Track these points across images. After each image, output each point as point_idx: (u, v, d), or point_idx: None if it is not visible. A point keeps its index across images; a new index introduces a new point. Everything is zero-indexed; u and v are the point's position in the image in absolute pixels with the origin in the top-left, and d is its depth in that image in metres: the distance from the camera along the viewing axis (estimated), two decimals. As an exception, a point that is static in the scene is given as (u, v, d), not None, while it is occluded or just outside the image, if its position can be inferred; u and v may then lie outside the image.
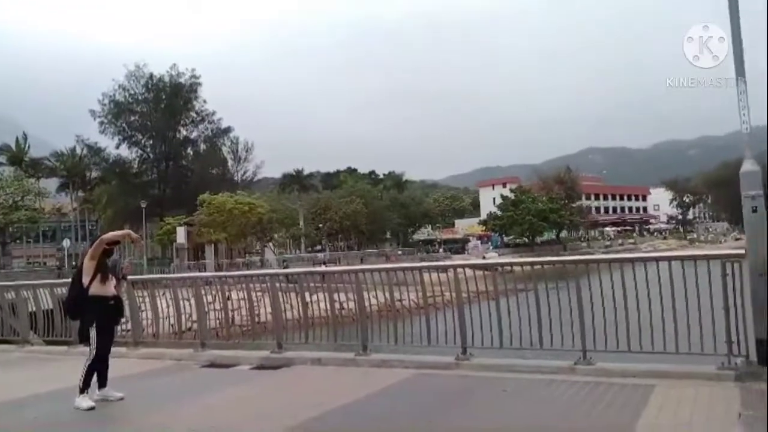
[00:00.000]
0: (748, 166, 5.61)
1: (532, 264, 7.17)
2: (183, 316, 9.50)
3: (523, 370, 6.32)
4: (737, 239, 76.46)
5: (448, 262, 8.83)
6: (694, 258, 6.00)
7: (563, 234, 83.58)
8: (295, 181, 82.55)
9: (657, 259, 6.27)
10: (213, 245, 52.59)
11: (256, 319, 8.95)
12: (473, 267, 8.16)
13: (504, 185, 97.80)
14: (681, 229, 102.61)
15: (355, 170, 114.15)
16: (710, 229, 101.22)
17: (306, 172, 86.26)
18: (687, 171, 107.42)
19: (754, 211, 5.54)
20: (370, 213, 77.61)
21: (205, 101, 65.96)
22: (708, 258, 5.91)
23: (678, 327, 5.85)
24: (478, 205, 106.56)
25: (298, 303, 8.58)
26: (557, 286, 6.80)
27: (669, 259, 6.29)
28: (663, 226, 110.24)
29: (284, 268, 39.50)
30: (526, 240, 77.78)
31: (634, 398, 5.05)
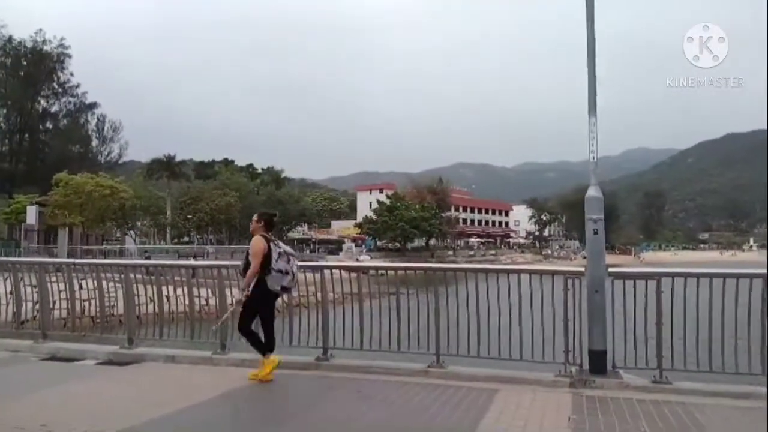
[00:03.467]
0: (593, 192, 6.18)
1: (400, 269, 7.39)
2: (26, 304, 8.63)
3: (379, 372, 6.46)
4: (585, 257, 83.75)
5: (320, 263, 8.77)
6: (541, 273, 6.50)
7: (432, 242, 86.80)
8: (165, 167, 77.55)
9: (508, 272, 6.73)
10: (67, 229, 48.38)
11: (112, 313, 8.37)
12: (345, 269, 8.18)
13: (381, 191, 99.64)
14: (537, 245, 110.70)
15: (231, 162, 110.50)
16: (563, 247, 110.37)
17: (178, 159, 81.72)
18: (545, 192, 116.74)
19: (595, 233, 6.12)
20: (244, 207, 75.49)
21: (72, 74, 60.79)
22: (553, 273, 6.41)
23: (523, 335, 6.29)
24: (355, 208, 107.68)
25: (154, 297, 8.13)
26: (417, 292, 7.04)
27: (519, 272, 6.75)
28: (522, 240, 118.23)
29: (145, 258, 37.32)
30: (398, 245, 79.83)
31: (479, 401, 5.34)
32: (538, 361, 6.29)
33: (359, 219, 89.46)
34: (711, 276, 5.82)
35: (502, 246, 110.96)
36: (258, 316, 6.36)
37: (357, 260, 62.16)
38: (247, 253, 6.36)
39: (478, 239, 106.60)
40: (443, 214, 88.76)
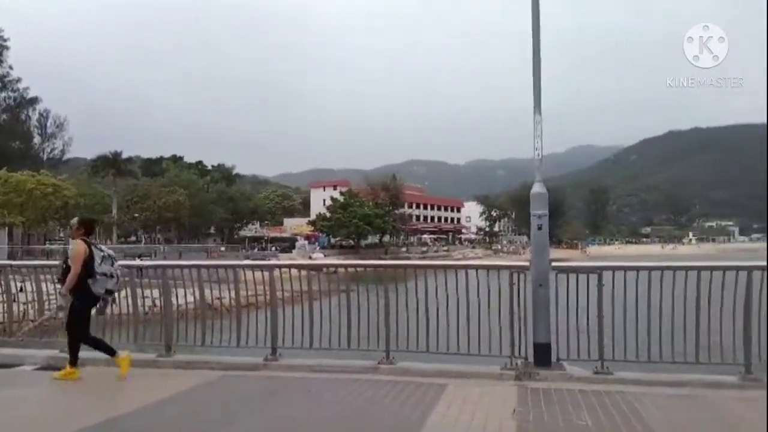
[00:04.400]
0: (537, 188, 6.31)
1: (351, 266, 7.37)
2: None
3: (329, 370, 6.44)
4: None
5: (272, 261, 8.65)
6: (488, 268, 6.60)
7: (386, 238, 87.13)
8: (111, 164, 75.01)
9: (456, 268, 6.79)
10: (7, 229, 46.31)
11: (53, 316, 8.03)
12: (296, 267, 8.10)
13: (335, 188, 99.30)
14: (488, 240, 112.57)
15: (180, 158, 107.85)
16: (512, 242, 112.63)
17: (125, 156, 79.13)
18: (496, 188, 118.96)
19: (540, 228, 6.25)
20: (194, 205, 74.08)
21: (11, 67, 58.08)
22: (499, 268, 6.53)
23: (471, 330, 6.38)
24: (309, 206, 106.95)
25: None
26: (368, 289, 7.06)
27: (466, 267, 6.81)
28: (473, 236, 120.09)
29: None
30: (352, 242, 79.80)
31: (427, 396, 5.39)
32: (486, 355, 6.39)
33: (313, 216, 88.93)
34: (649, 269, 6.04)
35: (455, 242, 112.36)
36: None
37: (310, 258, 61.78)
38: (66, 258, 6.28)
39: (431, 235, 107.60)
40: (397, 211, 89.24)
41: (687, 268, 5.94)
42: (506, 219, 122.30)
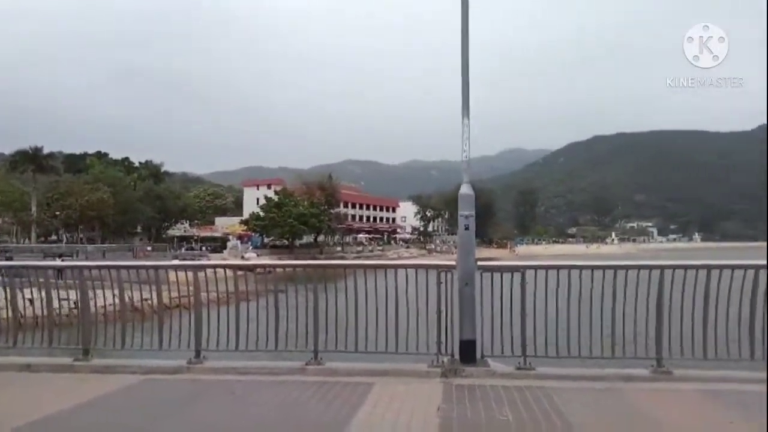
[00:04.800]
0: (465, 189, 6.42)
1: (274, 266, 7.26)
2: None
3: (255, 372, 6.33)
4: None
5: (199, 261, 8.40)
6: (416, 267, 6.66)
7: (321, 238, 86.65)
8: (31, 159, 70.86)
9: (386, 267, 6.84)
10: None
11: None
12: (224, 267, 7.86)
13: (269, 186, 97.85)
14: (422, 240, 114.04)
15: (106, 155, 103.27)
16: (445, 241, 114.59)
17: (46, 151, 74.84)
18: (430, 189, 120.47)
19: (467, 228, 6.37)
20: (119, 203, 71.16)
21: None
22: (427, 268, 6.61)
23: (399, 329, 6.43)
24: (242, 204, 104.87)
25: (7, 301, 7.40)
26: (297, 289, 6.98)
27: (396, 267, 6.88)
28: (407, 236, 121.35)
29: (6, 259, 34.02)
30: (286, 242, 78.87)
31: (354, 396, 5.39)
32: (414, 353, 6.45)
33: (245, 215, 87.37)
34: (569, 268, 6.27)
35: (390, 241, 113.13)
36: None
37: (243, 258, 60.64)
38: None
39: (367, 235, 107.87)
40: (332, 211, 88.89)
41: (604, 267, 6.20)
42: (440, 219, 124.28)
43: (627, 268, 6.19)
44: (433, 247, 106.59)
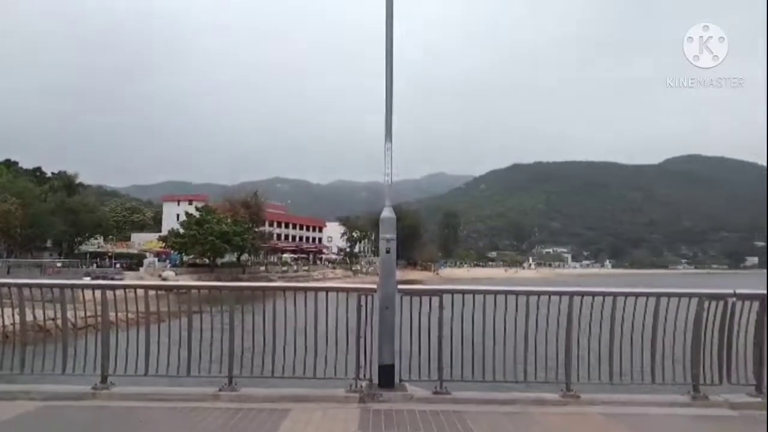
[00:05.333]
0: (386, 213, 6.48)
1: (194, 288, 7.00)
2: None
3: (166, 398, 6.04)
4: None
5: (109, 281, 7.91)
6: (337, 290, 6.62)
7: (244, 257, 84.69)
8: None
9: (306, 290, 6.75)
10: None
11: None
12: (134, 287, 7.48)
13: (190, 202, 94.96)
14: (348, 261, 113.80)
15: (15, 163, 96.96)
16: (371, 263, 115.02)
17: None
18: (358, 210, 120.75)
19: (388, 252, 6.42)
20: (28, 216, 66.89)
21: None
22: (348, 290, 6.59)
23: (318, 353, 6.36)
24: (161, 220, 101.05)
25: None
26: (211, 312, 6.76)
27: (316, 290, 6.82)
28: (333, 256, 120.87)
29: None
30: (207, 260, 76.51)
31: (269, 422, 5.26)
32: (332, 378, 6.38)
33: (164, 232, 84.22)
34: (484, 293, 6.42)
35: (316, 262, 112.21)
36: None
37: (160, 276, 58.35)
38: None
39: (292, 255, 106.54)
40: (257, 229, 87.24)
41: (517, 293, 6.41)
42: (367, 240, 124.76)
43: (538, 293, 6.41)
44: (359, 268, 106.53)
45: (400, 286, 6.44)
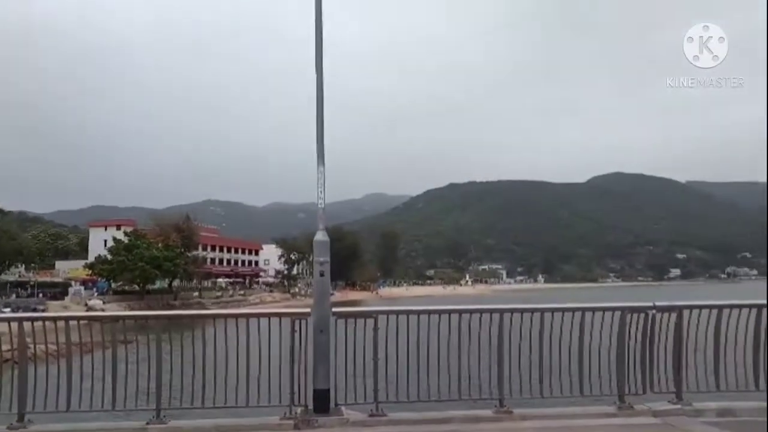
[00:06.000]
0: (320, 236, 6.47)
1: (127, 318, 6.72)
2: None
3: (88, 435, 5.76)
4: (330, 294, 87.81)
5: (20, 314, 7.44)
6: (269, 315, 6.51)
7: (176, 283, 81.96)
8: None
9: (236, 316, 6.60)
10: None
11: None
12: (54, 319, 7.07)
13: (118, 227, 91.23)
14: (286, 284, 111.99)
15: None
16: (310, 285, 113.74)
17: None
18: (296, 231, 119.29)
19: (322, 275, 6.39)
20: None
21: None
22: (281, 315, 6.50)
23: (251, 381, 6.21)
24: (87, 247, 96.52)
25: None
26: (137, 342, 6.51)
27: (248, 316, 6.68)
28: (271, 279, 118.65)
29: None
30: (137, 287, 73.53)
31: (199, 456, 5.08)
32: (266, 406, 6.26)
33: (91, 258, 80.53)
34: (418, 313, 6.48)
35: (252, 285, 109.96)
36: None
37: (86, 305, 55.70)
38: None
39: (227, 279, 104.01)
40: (190, 254, 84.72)
41: (450, 312, 6.50)
42: (305, 262, 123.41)
43: (470, 311, 6.54)
44: (297, 290, 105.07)
45: (334, 309, 6.41)
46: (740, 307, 6.80)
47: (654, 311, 6.63)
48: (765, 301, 6.79)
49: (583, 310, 6.64)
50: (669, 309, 6.68)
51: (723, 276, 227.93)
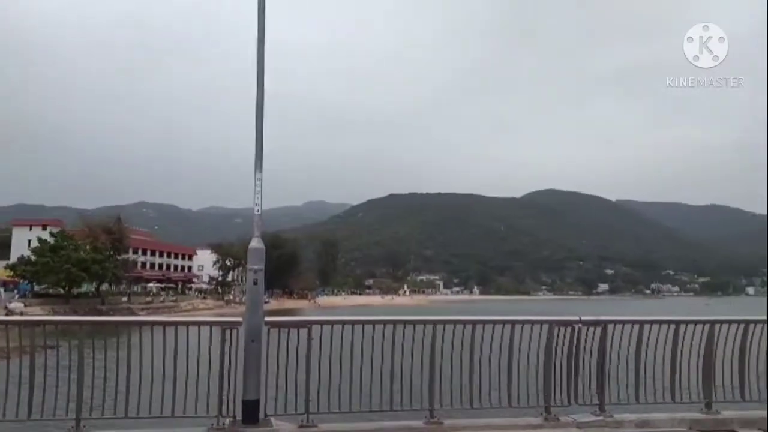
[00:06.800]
0: (255, 243, 6.34)
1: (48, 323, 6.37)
2: None
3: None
4: (266, 302, 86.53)
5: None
6: (199, 324, 6.35)
7: (105, 287, 78.64)
8: None
9: (164, 324, 6.38)
10: None
11: None
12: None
13: (44, 227, 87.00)
14: (220, 290, 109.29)
15: None
16: (246, 292, 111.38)
17: None
18: (232, 237, 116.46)
19: (255, 283, 6.27)
20: None
21: None
22: (211, 324, 6.35)
23: (177, 391, 6.02)
24: (9, 246, 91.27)
25: None
26: (58, 349, 6.20)
27: (177, 324, 6.51)
28: (204, 286, 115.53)
29: None
30: (62, 290, 70.08)
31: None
32: (192, 416, 6.10)
33: (13, 259, 76.27)
34: (353, 323, 6.48)
35: (185, 291, 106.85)
36: None
37: (6, 308, 52.71)
38: None
39: (159, 284, 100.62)
40: (120, 257, 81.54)
41: (384, 322, 6.54)
42: (241, 268, 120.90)
43: (405, 322, 6.59)
44: (231, 297, 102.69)
45: (267, 318, 6.31)
46: (660, 322, 7.16)
47: (580, 325, 6.87)
48: (679, 318, 7.23)
49: (513, 322, 6.81)
50: (594, 323, 6.94)
51: (647, 292, 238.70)
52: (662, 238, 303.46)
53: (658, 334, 7.07)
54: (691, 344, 7.10)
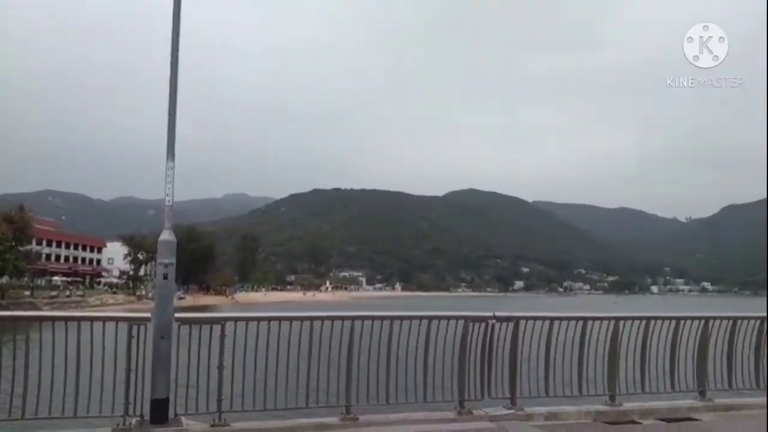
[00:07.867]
0: (166, 236, 6.07)
1: None
2: None
3: None
4: (181, 298, 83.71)
5: None
6: (104, 320, 6.01)
7: (4, 280, 73.41)
8: None
9: (66, 319, 6.00)
10: None
11: None
12: None
13: (-66, 215, 80.00)
14: (131, 285, 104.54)
15: None
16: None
17: None
18: (145, 229, 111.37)
19: (165, 278, 6.01)
20: None
21: None
22: (117, 320, 6.04)
23: (81, 390, 5.69)
24: None
25: None
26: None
27: (80, 319, 6.14)
28: (115, 280, 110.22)
29: None
30: (-46, 284, 64.90)
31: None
32: (97, 416, 5.78)
33: None
34: (269, 320, 6.35)
35: (93, 285, 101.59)
36: None
37: None
38: None
39: (65, 277, 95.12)
40: (22, 248, 76.33)
41: (302, 318, 6.45)
42: (153, 262, 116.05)
43: (322, 318, 6.53)
44: (143, 293, 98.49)
45: (179, 315, 6.07)
46: (569, 319, 7.49)
47: (494, 321, 7.06)
48: (586, 315, 7.58)
49: (430, 318, 6.91)
50: (507, 319, 7.16)
51: (560, 289, 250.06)
52: (575, 239, 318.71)
53: (566, 330, 7.39)
54: (597, 340, 7.47)
